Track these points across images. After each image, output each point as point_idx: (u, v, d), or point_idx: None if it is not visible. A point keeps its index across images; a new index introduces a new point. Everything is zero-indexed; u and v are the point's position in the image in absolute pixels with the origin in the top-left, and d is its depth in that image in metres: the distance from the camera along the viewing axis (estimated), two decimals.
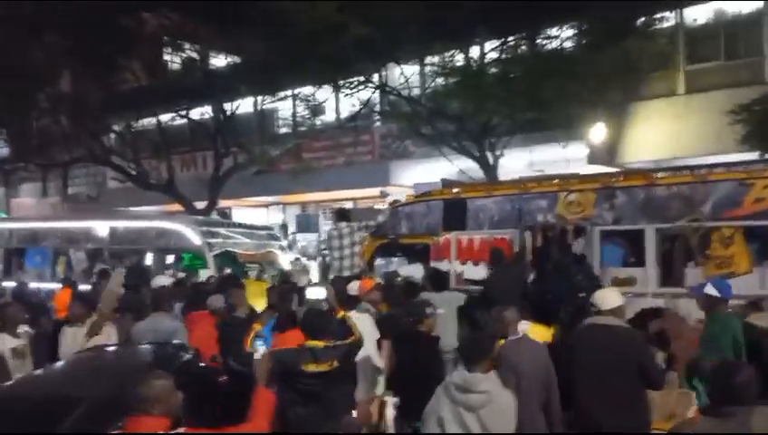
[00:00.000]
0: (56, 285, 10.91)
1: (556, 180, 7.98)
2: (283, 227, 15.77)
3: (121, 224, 12.32)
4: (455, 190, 8.72)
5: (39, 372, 5.01)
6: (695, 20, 13.27)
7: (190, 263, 11.32)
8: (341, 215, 8.73)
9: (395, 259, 9.81)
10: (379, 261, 9.33)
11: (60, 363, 5.16)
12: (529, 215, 7.73)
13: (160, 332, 5.83)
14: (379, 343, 5.58)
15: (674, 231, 6.92)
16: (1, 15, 15.40)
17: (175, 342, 5.64)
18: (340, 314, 4.86)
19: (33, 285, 11.32)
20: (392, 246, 8.99)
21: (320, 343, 4.36)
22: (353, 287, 6.50)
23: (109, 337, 5.77)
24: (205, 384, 4.49)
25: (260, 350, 4.33)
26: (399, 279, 7.85)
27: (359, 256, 8.24)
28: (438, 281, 6.96)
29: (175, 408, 3.12)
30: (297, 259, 12.43)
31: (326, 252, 9.14)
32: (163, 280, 8.59)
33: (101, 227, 12.09)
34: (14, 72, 15.22)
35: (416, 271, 8.36)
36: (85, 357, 5.13)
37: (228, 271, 10.11)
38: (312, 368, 4.24)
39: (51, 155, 19.06)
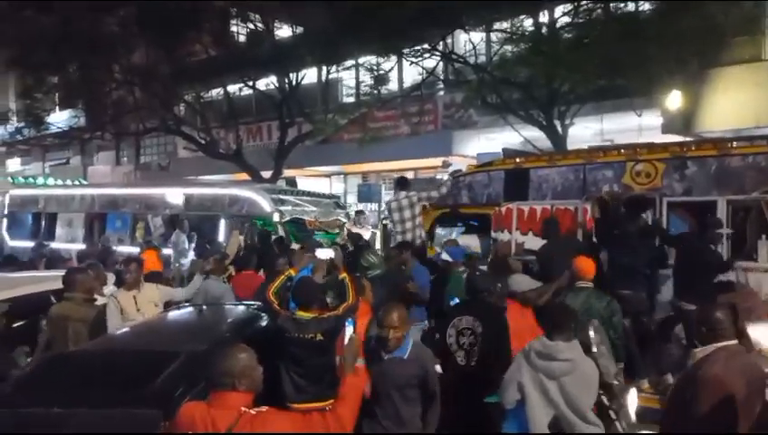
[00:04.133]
0: (135, 249, 11.36)
1: (623, 150, 7.67)
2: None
3: (196, 191, 12.66)
4: (517, 160, 8.50)
5: (134, 326, 5.07)
6: None
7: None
8: (402, 184, 8.30)
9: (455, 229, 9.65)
10: (439, 231, 9.21)
11: (152, 320, 5.26)
12: (594, 185, 7.51)
13: (210, 293, 6.28)
14: None
15: (747, 203, 6.59)
16: None
17: (251, 302, 5.78)
18: (342, 274, 4.85)
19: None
20: (453, 216, 8.87)
21: (307, 314, 4.42)
22: None
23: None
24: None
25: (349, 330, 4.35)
26: None
27: (420, 227, 8.01)
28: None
29: (258, 382, 2.97)
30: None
31: (386, 222, 8.90)
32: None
33: (178, 194, 12.47)
34: (89, 44, 15.56)
35: (474, 241, 8.34)
36: (178, 314, 5.37)
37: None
38: (296, 335, 4.36)
39: (124, 125, 19.62)
